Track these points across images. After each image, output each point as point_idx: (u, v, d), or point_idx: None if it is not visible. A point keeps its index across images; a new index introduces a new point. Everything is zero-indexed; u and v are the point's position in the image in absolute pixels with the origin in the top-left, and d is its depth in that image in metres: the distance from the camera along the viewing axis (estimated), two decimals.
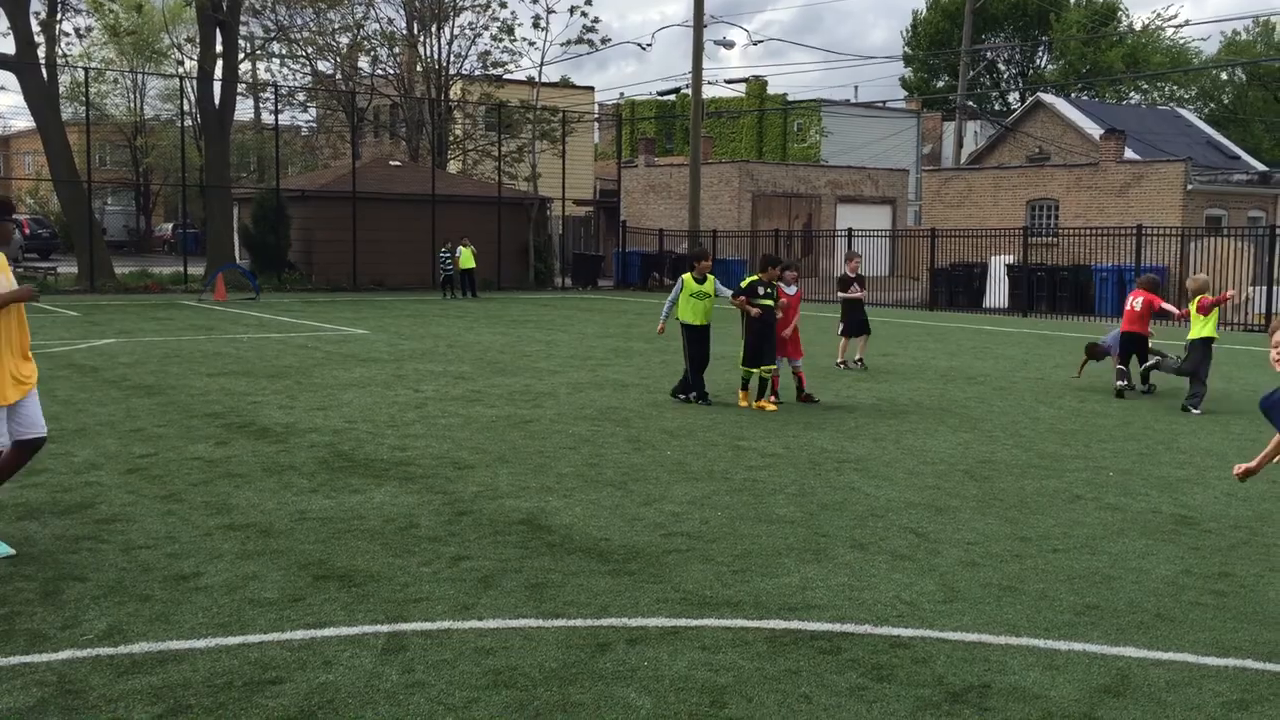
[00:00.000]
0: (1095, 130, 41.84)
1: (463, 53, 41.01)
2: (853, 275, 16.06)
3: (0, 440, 6.17)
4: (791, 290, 12.86)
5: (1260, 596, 5.84)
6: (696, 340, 12.30)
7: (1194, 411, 12.11)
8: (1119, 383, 13.22)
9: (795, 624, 5.32)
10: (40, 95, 32.08)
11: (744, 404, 12.13)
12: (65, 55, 36.36)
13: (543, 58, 47.23)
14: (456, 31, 40.38)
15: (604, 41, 41.40)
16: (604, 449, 9.59)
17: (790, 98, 57.47)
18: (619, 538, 6.78)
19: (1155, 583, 6.05)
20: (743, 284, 12.56)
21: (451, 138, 42.19)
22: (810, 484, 8.35)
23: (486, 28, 40.20)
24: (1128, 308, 13.57)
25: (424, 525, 7.00)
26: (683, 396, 12.39)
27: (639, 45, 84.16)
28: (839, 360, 15.85)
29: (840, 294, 16.20)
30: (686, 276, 12.37)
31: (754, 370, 12.16)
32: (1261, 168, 46.32)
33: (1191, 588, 5.97)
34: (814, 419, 11.42)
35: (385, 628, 5.18)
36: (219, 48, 35.10)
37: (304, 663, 4.76)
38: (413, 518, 7.18)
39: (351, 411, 11.42)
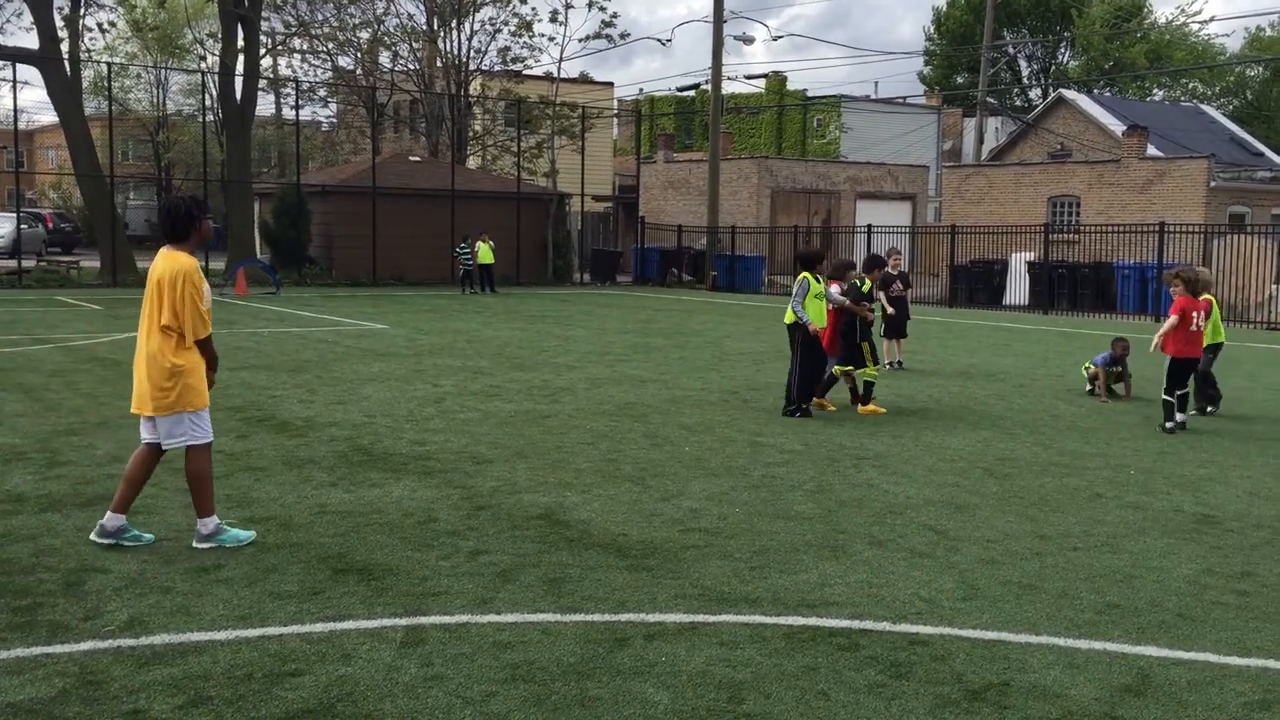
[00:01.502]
0: (1117, 127, 41.56)
1: (482, 48, 41.09)
2: (894, 274, 15.41)
3: (208, 435, 6.40)
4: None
5: None
6: (819, 344, 11.48)
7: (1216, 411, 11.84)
8: (1168, 424, 10.78)
9: (813, 620, 5.31)
10: (63, 90, 32.29)
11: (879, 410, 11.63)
12: (88, 50, 36.56)
13: (561, 53, 47.22)
14: (476, 27, 40.44)
15: (623, 37, 41.37)
16: (622, 444, 9.59)
17: (816, 93, 57.30)
18: (637, 533, 6.78)
19: (1177, 582, 6.01)
20: (864, 288, 12.00)
21: (471, 133, 42.26)
22: (829, 480, 8.33)
23: (506, 23, 40.24)
24: (1193, 328, 10.75)
25: (442, 519, 7.02)
26: (795, 408, 11.28)
27: (659, 41, 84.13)
28: (885, 362, 14.94)
29: (880, 293, 15.46)
30: (810, 276, 11.35)
31: (869, 370, 11.74)
32: None
33: (1213, 587, 5.93)
34: (833, 415, 11.39)
35: (404, 621, 5.20)
36: (240, 43, 35.26)
37: (323, 655, 4.78)
38: (431, 512, 7.19)
39: (371, 406, 11.46)
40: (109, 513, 6.40)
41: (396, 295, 30.61)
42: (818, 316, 11.31)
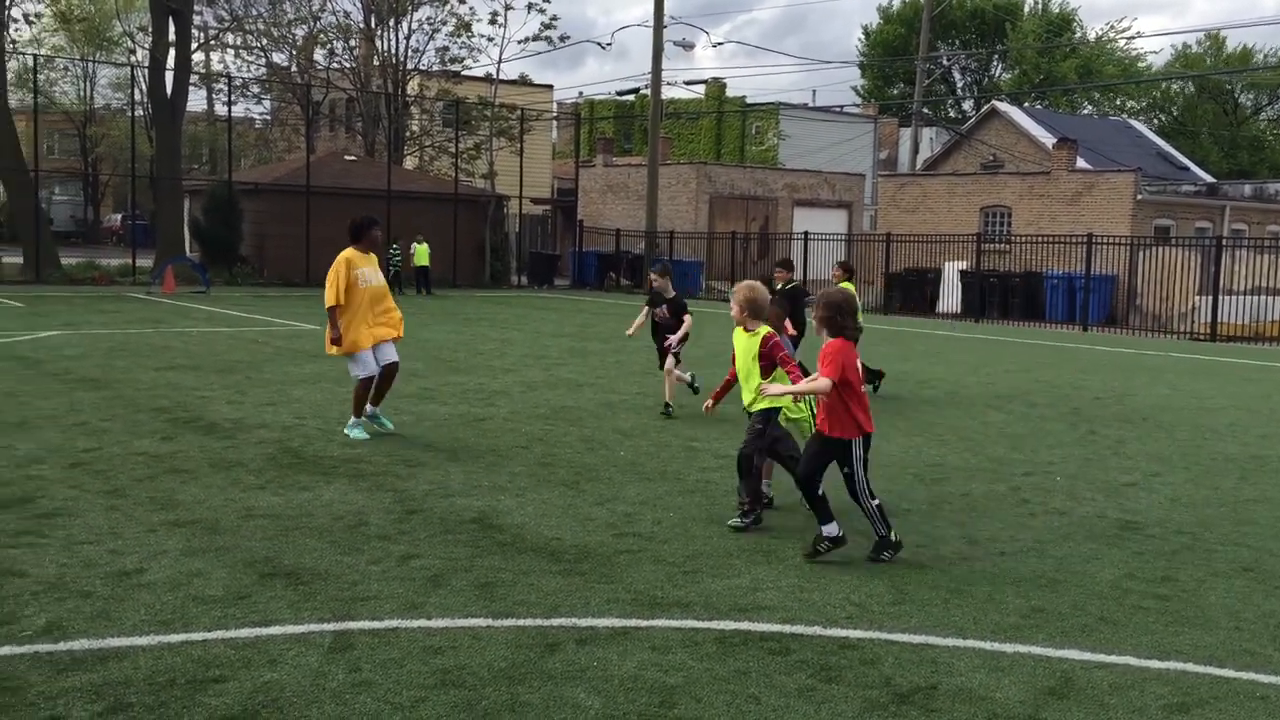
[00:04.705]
0: (1048, 139, 42.38)
1: (420, 48, 40.83)
2: (669, 296, 12.10)
3: (366, 371, 9.78)
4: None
5: (1201, 601, 5.93)
6: None
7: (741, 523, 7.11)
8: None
9: (745, 625, 5.33)
10: None
11: None
12: (14, 42, 35.70)
13: (500, 54, 47.07)
14: (414, 26, 40.15)
15: (562, 39, 41.33)
16: (557, 448, 9.56)
17: (763, 100, 57.65)
18: (570, 537, 6.76)
19: (1099, 586, 6.12)
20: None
21: (408, 133, 41.92)
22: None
23: (445, 23, 39.99)
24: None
25: (373, 523, 6.94)
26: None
27: (599, 44, 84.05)
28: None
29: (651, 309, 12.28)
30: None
31: None
32: (1209, 179, 47.18)
33: (1135, 591, 6.05)
34: None
35: (332, 626, 5.12)
36: (171, 37, 34.64)
37: (248, 661, 4.69)
38: (362, 515, 7.11)
39: (302, 408, 11.30)
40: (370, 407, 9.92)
41: None
42: None
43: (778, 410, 7.14)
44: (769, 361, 7.07)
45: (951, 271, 32.67)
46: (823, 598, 5.76)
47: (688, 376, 12.23)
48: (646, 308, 12.31)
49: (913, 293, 33.00)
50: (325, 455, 8.96)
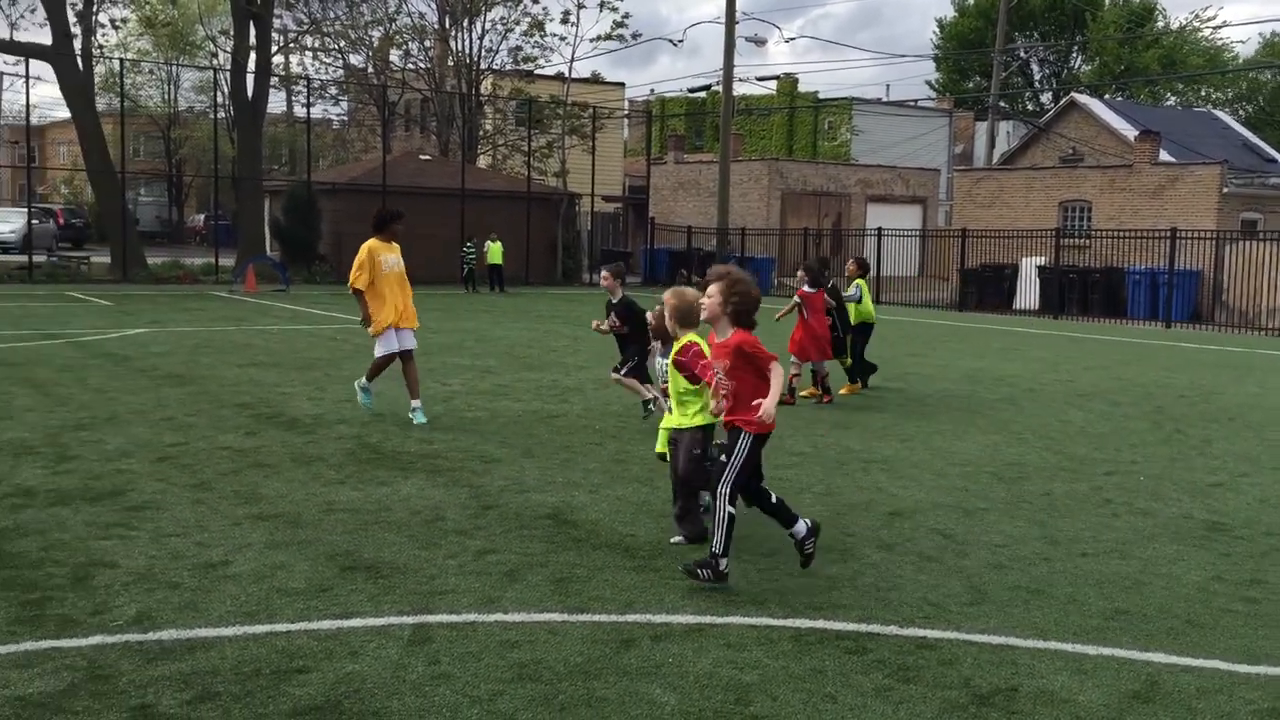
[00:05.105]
0: (1130, 131, 41.41)
1: (494, 47, 41.14)
2: (615, 300, 10.59)
3: (388, 349, 10.46)
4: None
5: None
6: None
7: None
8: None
9: (821, 623, 5.30)
10: (75, 86, 32.41)
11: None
12: (101, 46, 36.69)
13: (573, 53, 47.22)
14: (488, 26, 40.50)
15: (634, 37, 41.44)
16: (631, 445, 9.58)
17: (837, 95, 57.18)
18: (645, 534, 6.77)
19: (1186, 588, 5.99)
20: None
21: (481, 132, 42.30)
22: (837, 484, 8.31)
23: (518, 23, 40.29)
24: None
25: (450, 518, 7.02)
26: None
27: (670, 41, 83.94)
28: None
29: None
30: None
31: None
32: None
33: (1222, 594, 5.91)
34: (841, 419, 11.37)
35: (411, 619, 5.20)
36: (252, 40, 35.34)
37: (331, 652, 4.78)
38: (439, 510, 7.20)
39: (379, 404, 11.45)
40: (413, 401, 10.50)
41: None
42: None
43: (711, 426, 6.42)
44: (687, 372, 6.30)
45: (1029, 267, 32.12)
46: (899, 597, 5.71)
47: (647, 393, 10.30)
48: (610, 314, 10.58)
49: (989, 289, 32.49)
50: (403, 451, 9.09)
